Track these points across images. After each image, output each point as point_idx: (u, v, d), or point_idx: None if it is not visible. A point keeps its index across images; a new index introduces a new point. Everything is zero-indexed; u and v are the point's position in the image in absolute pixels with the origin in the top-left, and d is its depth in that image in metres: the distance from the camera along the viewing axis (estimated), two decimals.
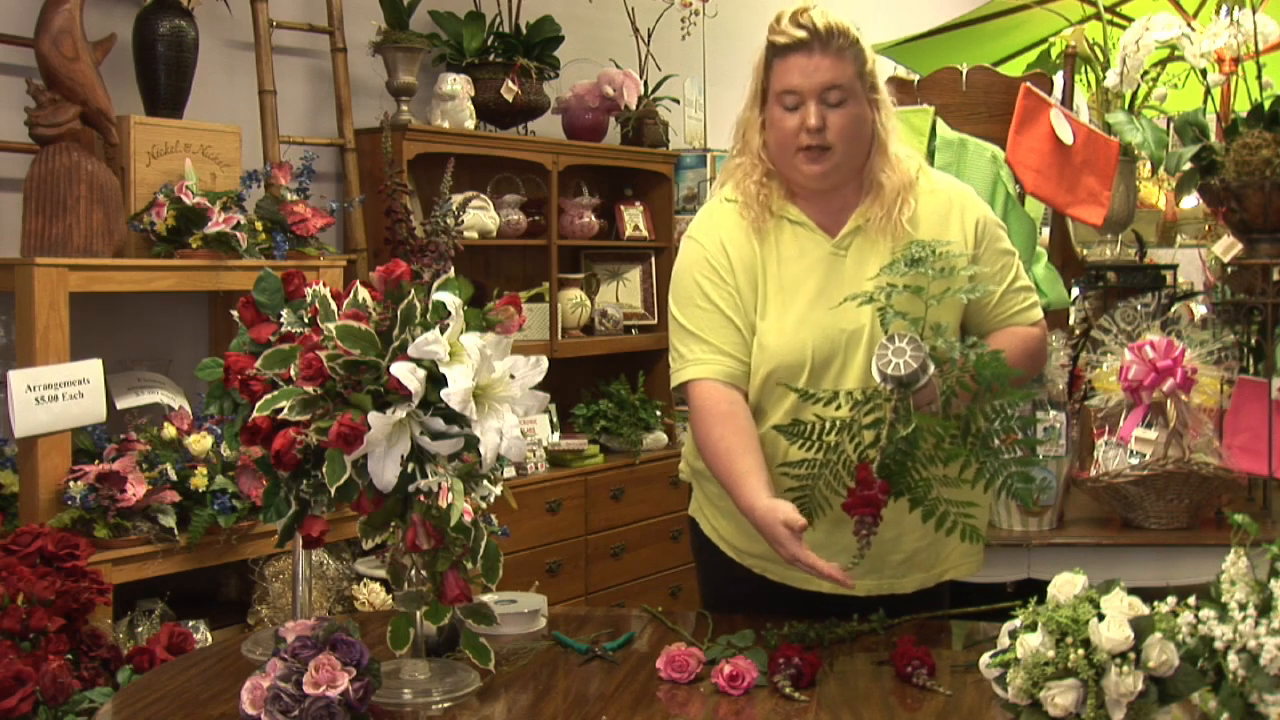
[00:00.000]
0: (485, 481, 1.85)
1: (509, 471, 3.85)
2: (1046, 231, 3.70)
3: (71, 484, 2.69)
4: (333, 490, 1.66)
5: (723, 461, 2.05)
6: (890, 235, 2.09)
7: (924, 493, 1.85)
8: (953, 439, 1.83)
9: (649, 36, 4.81)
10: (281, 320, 1.82)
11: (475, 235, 4.04)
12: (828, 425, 1.89)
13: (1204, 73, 3.33)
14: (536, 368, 1.79)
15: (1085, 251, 3.89)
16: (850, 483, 1.85)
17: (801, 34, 2.04)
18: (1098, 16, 3.88)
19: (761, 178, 2.13)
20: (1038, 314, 2.22)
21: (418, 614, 1.79)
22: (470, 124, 4.07)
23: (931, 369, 1.83)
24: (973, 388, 1.84)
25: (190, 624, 2.84)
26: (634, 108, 4.62)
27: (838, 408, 1.89)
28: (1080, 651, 1.47)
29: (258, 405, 1.69)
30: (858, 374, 2.06)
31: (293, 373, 1.71)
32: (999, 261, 2.16)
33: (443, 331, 1.68)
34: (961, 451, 1.84)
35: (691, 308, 2.15)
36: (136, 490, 2.72)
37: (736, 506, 2.04)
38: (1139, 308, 3.08)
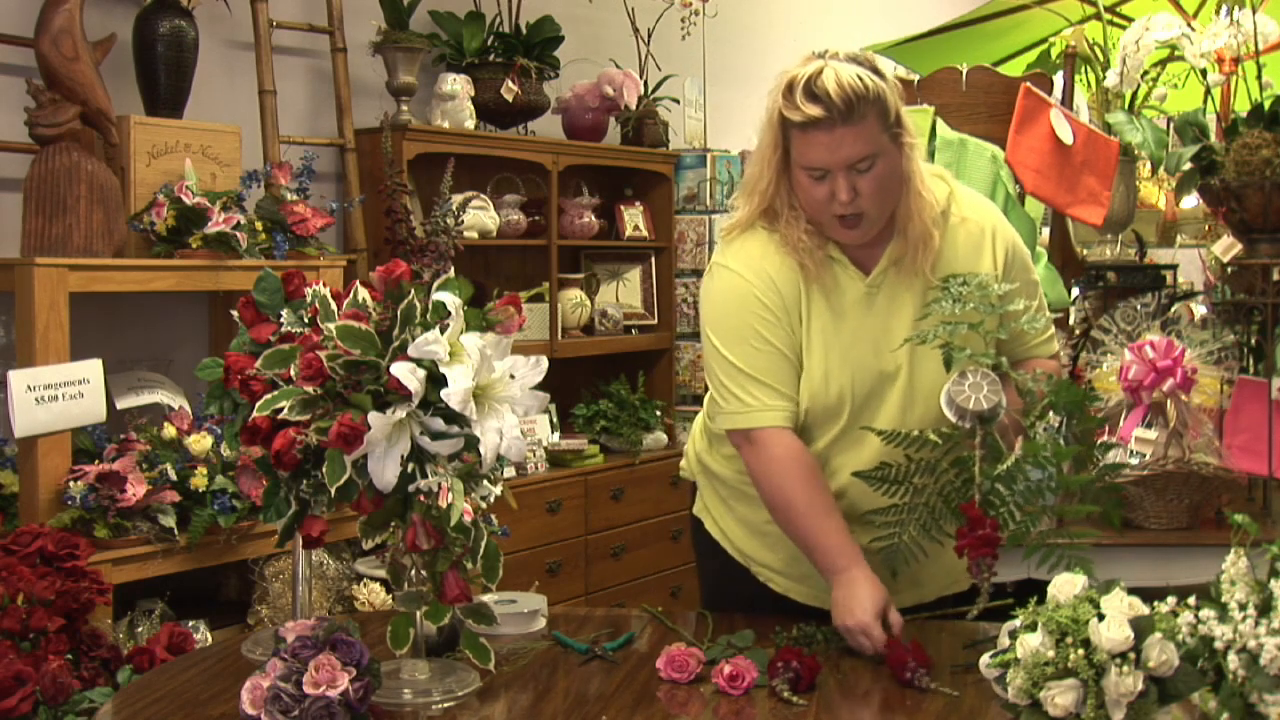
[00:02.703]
0: (485, 481, 1.85)
1: (509, 471, 3.85)
2: (1046, 231, 3.70)
3: (71, 484, 2.69)
4: (333, 490, 1.66)
5: (820, 521, 2.00)
6: (921, 271, 2.05)
7: (1026, 528, 1.81)
8: (1060, 465, 1.79)
9: (649, 36, 4.80)
10: (281, 320, 1.82)
11: (475, 235, 4.04)
12: (914, 468, 1.85)
13: (1204, 73, 3.33)
14: (536, 368, 1.79)
15: (1085, 251, 3.89)
16: (943, 524, 1.83)
17: (818, 111, 1.91)
18: (1098, 16, 3.88)
19: (807, 226, 2.05)
20: (1055, 346, 2.21)
21: (418, 614, 1.79)
22: (470, 124, 4.07)
23: (1005, 403, 1.82)
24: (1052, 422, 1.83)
25: (190, 624, 2.84)
26: (634, 108, 4.62)
27: (921, 447, 1.85)
28: (1080, 651, 1.47)
29: (258, 405, 1.69)
30: (889, 415, 2.05)
31: (293, 373, 1.71)
32: (1024, 292, 2.12)
33: (443, 331, 1.68)
34: (1081, 480, 1.80)
35: (745, 347, 2.06)
36: (136, 490, 2.72)
37: (822, 570, 2.01)
38: (1139, 308, 3.08)
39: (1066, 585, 1.57)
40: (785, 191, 2.05)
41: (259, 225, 3.18)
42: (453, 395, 1.65)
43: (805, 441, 2.09)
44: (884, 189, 1.99)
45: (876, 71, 1.97)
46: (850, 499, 2.09)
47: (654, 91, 4.79)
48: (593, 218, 4.56)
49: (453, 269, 1.82)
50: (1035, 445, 1.80)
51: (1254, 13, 3.20)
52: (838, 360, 2.06)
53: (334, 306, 1.76)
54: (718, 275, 2.11)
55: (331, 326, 1.70)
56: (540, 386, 1.80)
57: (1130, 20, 3.70)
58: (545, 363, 1.80)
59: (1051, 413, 1.83)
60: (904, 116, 2.01)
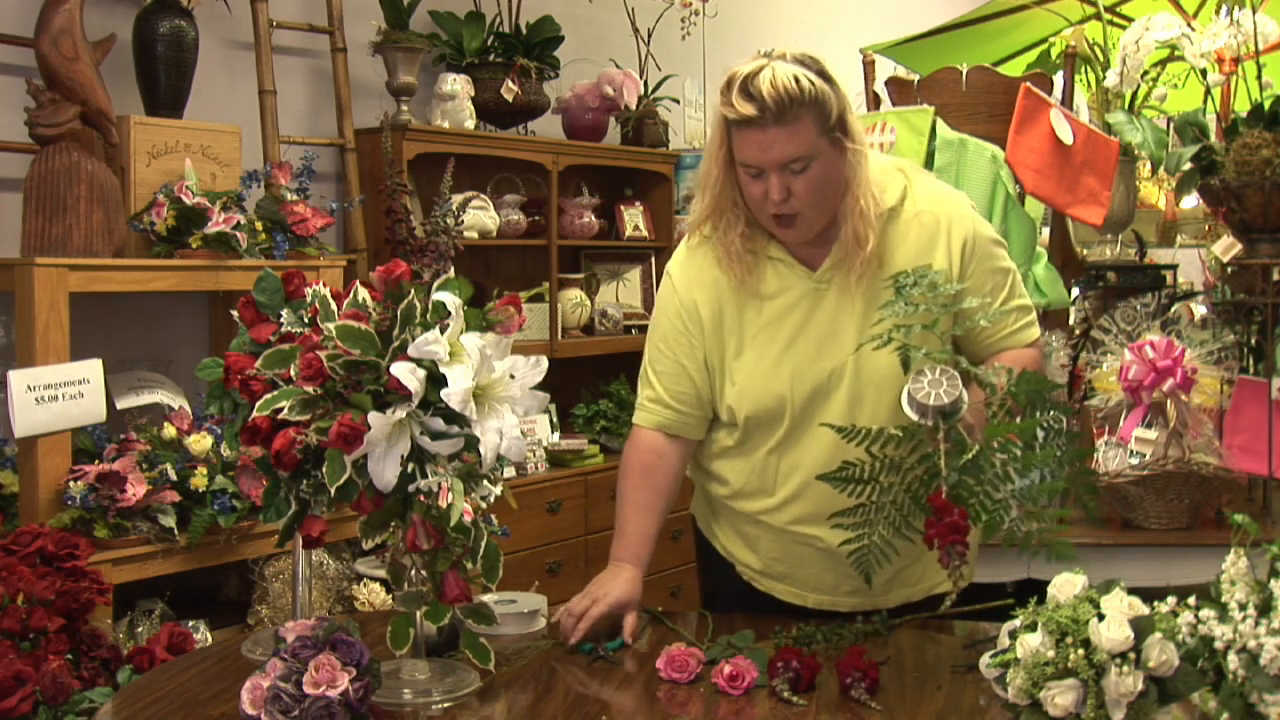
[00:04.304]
0: (485, 481, 1.85)
1: (509, 471, 3.85)
2: (1046, 231, 3.70)
3: (71, 484, 2.69)
4: (333, 490, 1.66)
5: (627, 512, 2.17)
6: (870, 267, 2.04)
7: (1000, 516, 1.79)
8: (1026, 447, 1.79)
9: (649, 36, 4.81)
10: (281, 320, 1.82)
11: (475, 235, 4.04)
12: (879, 466, 1.85)
13: (1204, 73, 3.33)
14: (536, 368, 1.79)
15: (1085, 251, 3.89)
16: (912, 520, 1.82)
17: (751, 110, 1.92)
18: (1098, 16, 3.88)
19: (744, 228, 2.08)
20: (1034, 333, 2.18)
21: (418, 614, 1.79)
22: (470, 124, 4.07)
23: (966, 397, 1.82)
24: (1014, 410, 1.82)
25: (190, 624, 2.84)
26: (634, 108, 4.62)
27: (884, 444, 1.84)
28: (1080, 651, 1.47)
29: (258, 405, 1.69)
30: (836, 415, 2.04)
31: (293, 373, 1.71)
32: (989, 281, 2.10)
33: (443, 331, 1.68)
34: (1046, 454, 1.80)
35: (654, 348, 2.19)
36: (136, 490, 2.72)
37: (611, 552, 2.17)
38: (1139, 308, 3.08)
39: (1066, 585, 1.58)
40: (730, 187, 2.06)
41: (259, 225, 3.18)
42: (453, 395, 1.65)
43: (749, 449, 2.13)
44: (819, 191, 2.00)
45: (823, 74, 1.96)
46: (807, 501, 2.09)
47: (654, 91, 4.80)
48: (593, 218, 4.56)
49: (453, 269, 1.82)
50: (994, 428, 1.80)
51: (1254, 13, 3.20)
52: (772, 362, 2.08)
53: (334, 306, 1.76)
54: (664, 278, 2.23)
55: (331, 326, 1.70)
56: (540, 386, 1.80)
57: (1130, 20, 3.70)
58: (545, 363, 1.80)
59: (1014, 403, 1.83)
60: (850, 121, 2.00)
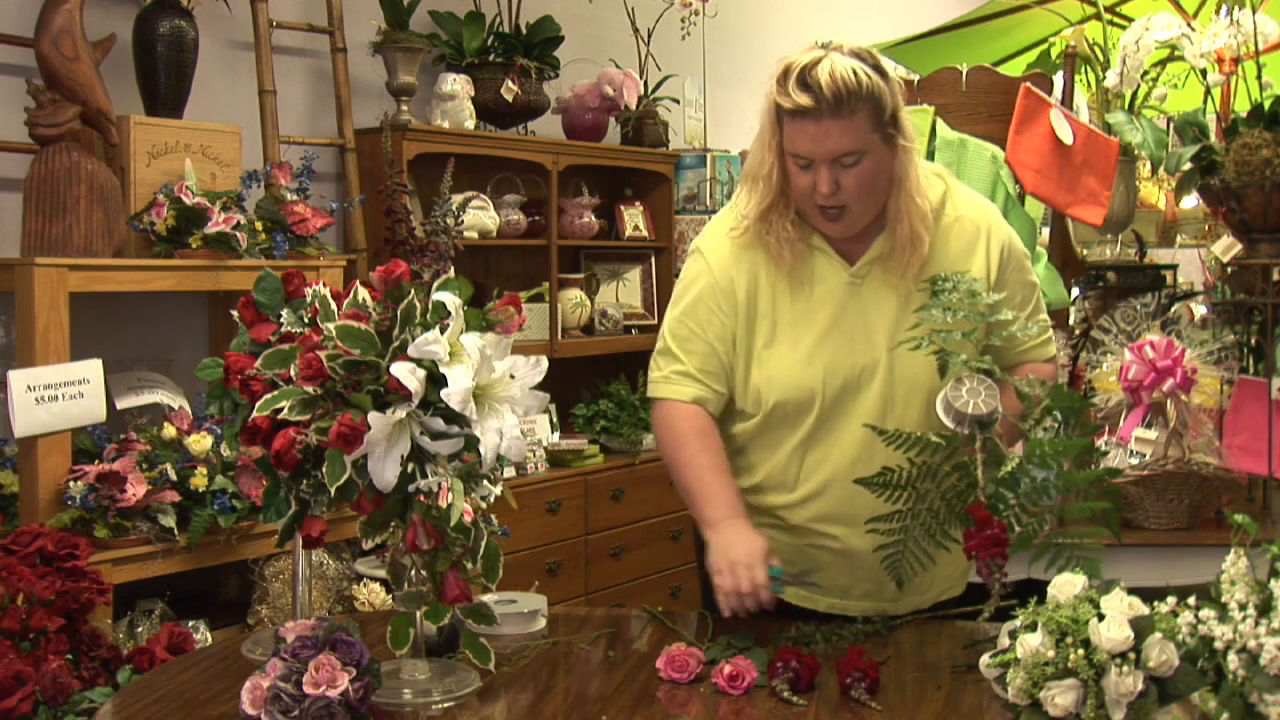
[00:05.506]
0: (485, 481, 1.85)
1: (509, 471, 3.85)
2: (1046, 231, 3.71)
3: (71, 484, 2.69)
4: (333, 490, 1.66)
5: (705, 475, 2.07)
6: (909, 266, 2.05)
7: (1033, 531, 1.80)
8: (1065, 463, 1.78)
9: (649, 36, 4.81)
10: (281, 320, 1.81)
11: (475, 235, 4.04)
12: (915, 473, 1.85)
13: (1204, 73, 3.33)
14: (536, 368, 1.79)
15: (1085, 251, 3.89)
16: (950, 529, 1.82)
17: (807, 100, 1.92)
18: (1098, 16, 3.88)
19: (794, 216, 2.07)
20: (1053, 349, 2.20)
21: (418, 614, 1.79)
22: (470, 124, 4.07)
23: (1001, 408, 1.81)
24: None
25: (190, 624, 2.84)
26: (634, 108, 4.62)
27: (921, 450, 1.84)
28: (1080, 651, 1.47)
29: (258, 405, 1.69)
30: (868, 414, 2.04)
31: (293, 373, 1.71)
32: (1020, 293, 2.13)
33: (443, 331, 1.68)
34: (1088, 476, 1.79)
35: (682, 326, 2.13)
36: (136, 490, 2.72)
37: (702, 518, 2.05)
38: (1139, 308, 3.08)
39: (1066, 585, 1.58)
40: (783, 176, 2.05)
41: (259, 225, 3.18)
42: (453, 395, 1.65)
43: (773, 441, 2.12)
44: (868, 186, 2.00)
45: (878, 69, 1.97)
46: (830, 498, 2.09)
47: (654, 91, 4.79)
48: (593, 218, 4.56)
49: (453, 269, 1.82)
50: (1037, 443, 1.80)
51: (1254, 13, 3.20)
52: (806, 353, 2.07)
53: (334, 306, 1.76)
54: (691, 256, 2.19)
55: (331, 326, 1.70)
56: (540, 386, 1.80)
57: (1130, 20, 3.70)
58: (545, 363, 1.80)
59: (1049, 417, 1.83)
60: (902, 118, 2.00)
